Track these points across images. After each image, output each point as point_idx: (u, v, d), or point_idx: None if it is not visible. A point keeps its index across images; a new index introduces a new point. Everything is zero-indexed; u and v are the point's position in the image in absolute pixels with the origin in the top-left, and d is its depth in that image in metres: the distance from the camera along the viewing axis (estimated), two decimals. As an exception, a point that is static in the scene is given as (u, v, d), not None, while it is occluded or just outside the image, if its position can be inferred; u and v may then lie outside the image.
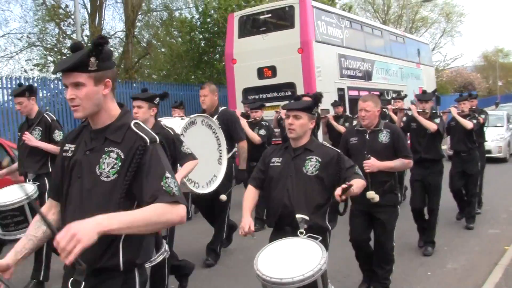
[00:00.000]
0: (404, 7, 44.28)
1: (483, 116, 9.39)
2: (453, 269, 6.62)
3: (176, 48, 24.01)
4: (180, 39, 25.09)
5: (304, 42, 14.32)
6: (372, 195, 5.20)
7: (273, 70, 14.62)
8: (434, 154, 7.37)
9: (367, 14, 46.86)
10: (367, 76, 17.46)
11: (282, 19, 15.35)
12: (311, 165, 4.01)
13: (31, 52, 21.73)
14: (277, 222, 4.08)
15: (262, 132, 9.13)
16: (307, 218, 3.77)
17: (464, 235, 8.39)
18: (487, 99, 51.88)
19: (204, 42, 25.07)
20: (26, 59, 21.68)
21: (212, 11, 23.61)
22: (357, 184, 3.83)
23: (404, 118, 8.23)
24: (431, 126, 7.35)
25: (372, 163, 5.28)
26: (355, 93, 15.79)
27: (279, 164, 4.16)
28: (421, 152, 7.33)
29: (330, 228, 4.07)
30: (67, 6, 21.82)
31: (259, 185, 4.31)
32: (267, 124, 9.38)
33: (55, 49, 21.38)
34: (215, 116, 6.95)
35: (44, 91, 14.65)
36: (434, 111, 7.87)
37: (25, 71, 19.73)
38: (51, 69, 20.65)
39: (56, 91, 14.93)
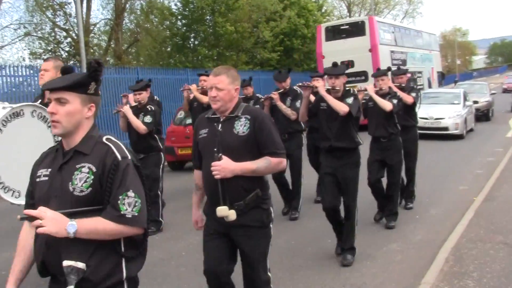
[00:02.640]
0: (369, -10, 46.17)
1: (413, 94, 8.34)
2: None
3: (155, 35, 25.17)
4: (160, 26, 26.24)
5: (373, 45, 21.78)
6: (225, 211, 3.66)
7: (352, 63, 20.05)
8: (348, 141, 5.99)
9: (332, -3, 48.40)
10: (404, 63, 23.91)
11: (357, 30, 22.39)
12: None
13: (28, 41, 22.76)
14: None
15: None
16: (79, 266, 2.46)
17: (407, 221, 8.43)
18: (446, 78, 54.23)
19: (185, 28, 26.48)
20: (24, 48, 22.65)
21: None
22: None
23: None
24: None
25: (224, 166, 3.62)
26: (400, 80, 21.69)
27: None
28: (332, 139, 5.98)
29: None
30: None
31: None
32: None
33: (50, 39, 22.48)
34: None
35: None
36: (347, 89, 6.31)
37: (24, 59, 20.87)
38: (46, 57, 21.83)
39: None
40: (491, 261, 5.76)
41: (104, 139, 2.61)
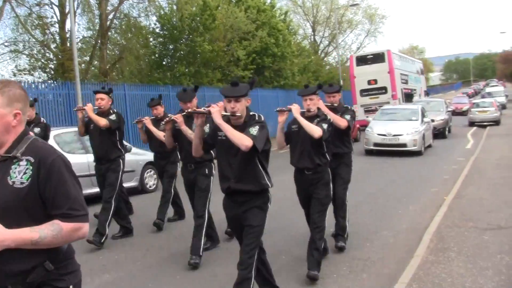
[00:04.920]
0: (333, 10, 48.15)
1: (347, 116, 7.09)
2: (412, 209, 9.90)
3: (136, 53, 26.34)
4: (138, 45, 27.40)
5: (390, 69, 29.43)
6: None
7: (375, 80, 29.44)
8: (252, 182, 4.74)
9: (297, 17, 50.26)
10: (407, 82, 32.53)
11: (378, 58, 30.03)
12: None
13: (19, 58, 23.77)
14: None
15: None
16: None
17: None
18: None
19: (161, 46, 27.72)
20: (15, 64, 23.61)
21: (174, 19, 26.24)
22: None
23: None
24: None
25: None
26: (406, 91, 31.74)
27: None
28: (231, 179, 4.77)
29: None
30: (46, 17, 23.90)
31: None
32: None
33: (39, 56, 23.51)
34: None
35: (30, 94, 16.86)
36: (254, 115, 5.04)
37: (14, 74, 21.79)
38: (36, 74, 22.89)
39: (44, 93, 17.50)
40: (466, 239, 7.27)
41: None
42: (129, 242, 8.36)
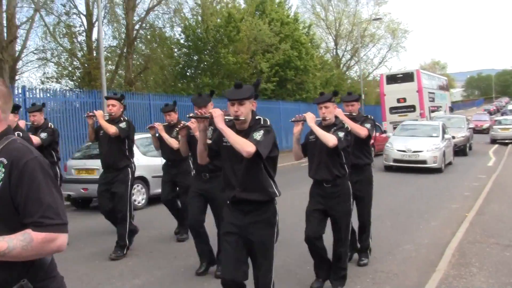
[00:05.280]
0: (355, 24, 48.34)
1: (367, 125, 6.87)
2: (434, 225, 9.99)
3: (161, 64, 26.77)
4: (163, 56, 27.84)
5: (419, 88, 30.65)
6: None
7: (404, 99, 30.61)
8: (259, 191, 4.40)
9: (319, 30, 50.51)
10: (433, 100, 33.83)
11: (408, 77, 31.29)
12: None
13: (47, 66, 24.42)
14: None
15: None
16: None
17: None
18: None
19: (185, 57, 28.13)
20: (43, 72, 24.27)
21: (198, 30, 26.66)
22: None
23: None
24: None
25: None
26: (433, 108, 32.87)
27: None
28: (237, 187, 4.41)
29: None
30: (74, 26, 24.48)
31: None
32: None
33: (67, 63, 24.10)
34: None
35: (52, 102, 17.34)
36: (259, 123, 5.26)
37: (42, 82, 22.38)
38: (63, 81, 23.51)
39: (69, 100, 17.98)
40: (488, 255, 7.36)
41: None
42: (156, 248, 8.53)
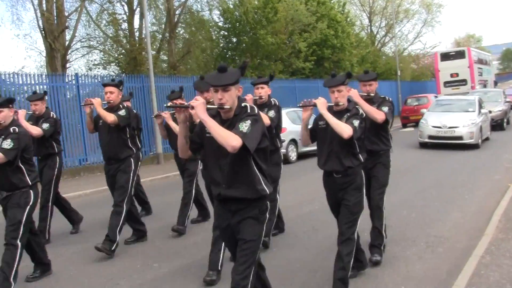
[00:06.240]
0: (389, 0, 48.27)
1: (384, 108, 6.33)
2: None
3: (203, 47, 27.50)
4: (202, 38, 28.54)
5: (470, 64, 33.65)
6: None
7: (457, 74, 33.56)
8: (247, 188, 4.01)
9: (353, 8, 50.49)
10: (481, 74, 36.28)
11: (459, 55, 34.57)
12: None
13: (93, 54, 25.45)
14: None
15: None
16: None
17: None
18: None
19: (224, 39, 28.86)
20: (89, 59, 25.33)
21: (236, 13, 27.30)
22: None
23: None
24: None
25: None
26: (481, 82, 35.44)
27: None
28: (222, 184, 4.07)
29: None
30: (118, 13, 25.38)
31: None
32: None
33: (113, 50, 25.07)
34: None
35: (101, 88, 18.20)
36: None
37: (90, 69, 23.41)
38: (111, 67, 24.52)
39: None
40: (533, 221, 7.95)
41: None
42: (142, 249, 7.88)
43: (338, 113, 5.37)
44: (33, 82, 16.00)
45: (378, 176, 6.47)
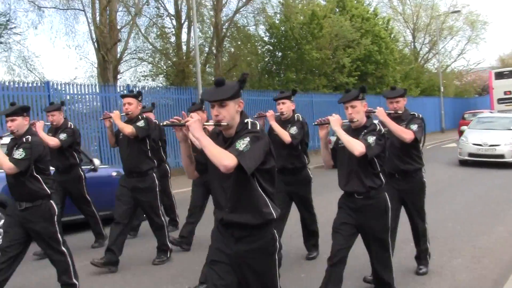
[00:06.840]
0: (433, 17, 48.18)
1: (413, 127, 6.06)
2: None
3: (249, 61, 28.08)
4: (248, 52, 29.11)
5: None
6: None
7: (510, 91, 33.25)
8: (251, 212, 3.58)
9: (397, 24, 50.53)
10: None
11: None
12: None
13: (142, 66, 26.34)
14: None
15: None
16: None
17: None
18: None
19: (269, 54, 29.40)
20: (139, 71, 26.21)
21: (282, 28, 27.83)
22: None
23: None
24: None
25: None
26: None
27: None
28: (225, 208, 3.68)
29: None
30: (167, 27, 26.18)
31: None
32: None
33: (161, 62, 25.91)
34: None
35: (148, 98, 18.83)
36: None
37: (139, 80, 24.27)
38: (159, 79, 25.32)
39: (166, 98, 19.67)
40: None
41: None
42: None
43: (355, 131, 5.13)
44: (86, 92, 16.78)
45: (414, 201, 6.37)
